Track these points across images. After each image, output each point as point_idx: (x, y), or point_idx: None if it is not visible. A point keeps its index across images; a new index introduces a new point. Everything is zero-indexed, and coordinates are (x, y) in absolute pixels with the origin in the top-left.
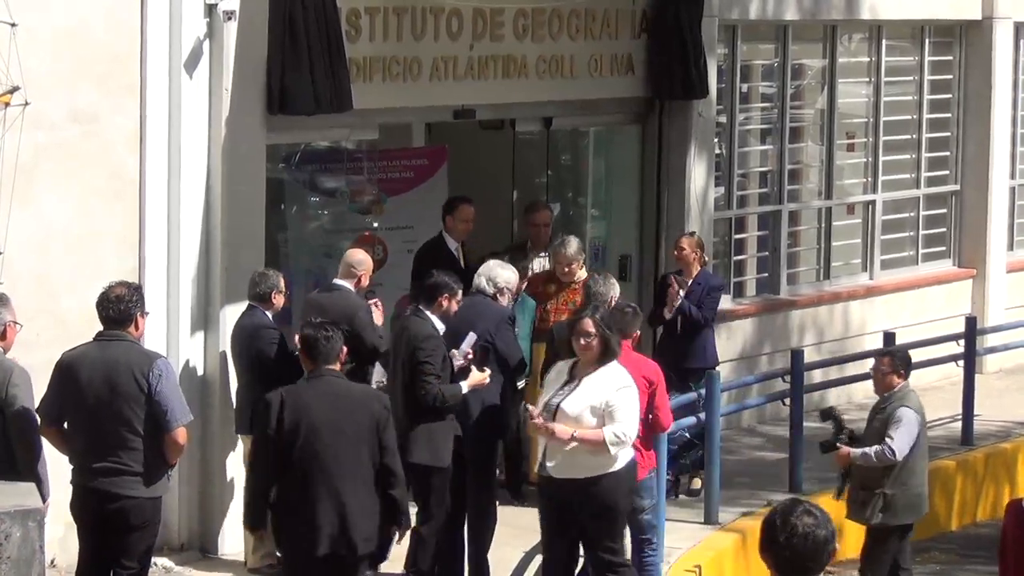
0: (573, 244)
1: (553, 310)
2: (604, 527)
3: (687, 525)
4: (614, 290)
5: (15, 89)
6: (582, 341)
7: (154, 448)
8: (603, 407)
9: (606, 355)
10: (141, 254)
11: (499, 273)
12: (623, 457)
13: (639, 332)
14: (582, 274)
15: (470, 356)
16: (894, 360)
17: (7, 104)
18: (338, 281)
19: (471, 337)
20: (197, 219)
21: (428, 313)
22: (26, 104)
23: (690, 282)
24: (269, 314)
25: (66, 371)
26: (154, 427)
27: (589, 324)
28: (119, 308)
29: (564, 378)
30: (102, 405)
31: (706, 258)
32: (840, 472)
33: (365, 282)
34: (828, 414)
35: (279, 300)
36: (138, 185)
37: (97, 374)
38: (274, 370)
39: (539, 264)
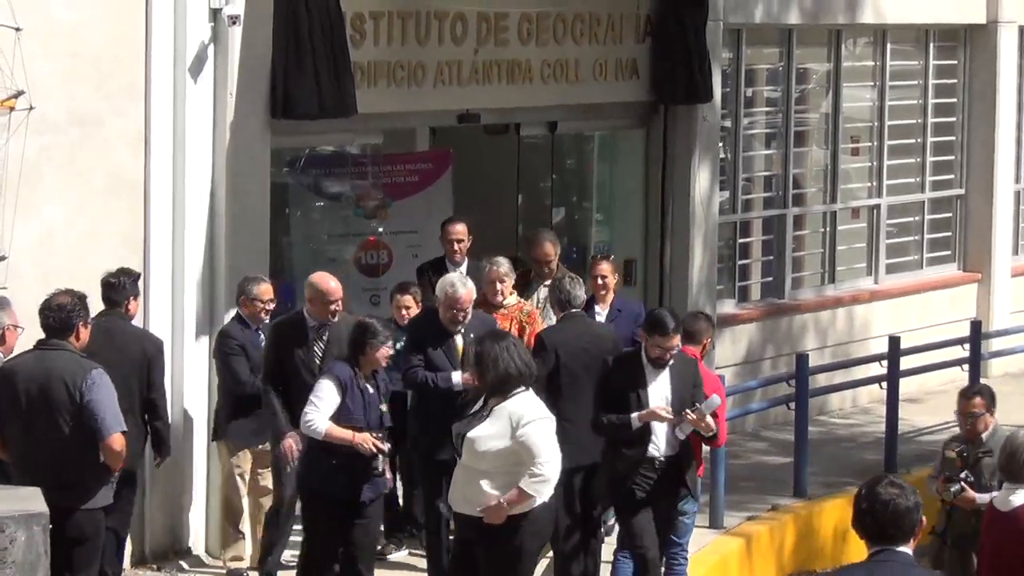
0: (504, 263)
1: None
2: (503, 570)
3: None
4: (580, 291)
5: (20, 93)
6: (466, 375)
7: (90, 461)
8: (515, 445)
9: (497, 387)
10: (145, 258)
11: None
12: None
13: (709, 339)
14: (512, 299)
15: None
16: (985, 398)
17: (12, 108)
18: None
19: (715, 400)
20: (201, 223)
21: None
22: (31, 108)
23: (607, 310)
24: (249, 322)
25: (3, 380)
26: (89, 439)
27: (469, 353)
28: (60, 317)
29: (479, 404)
30: (36, 416)
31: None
32: (956, 476)
33: (327, 308)
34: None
35: (248, 308)
36: (142, 189)
37: (33, 384)
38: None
39: (543, 295)
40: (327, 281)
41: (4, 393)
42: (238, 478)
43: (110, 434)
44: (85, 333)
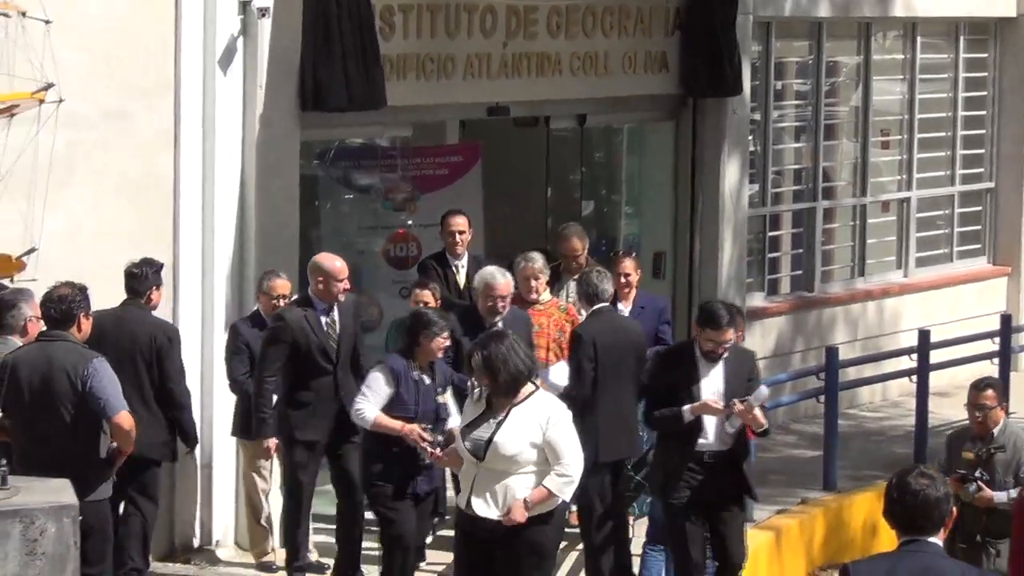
0: (538, 259)
1: None
2: (528, 571)
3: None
4: (608, 285)
5: (49, 86)
6: (475, 377)
7: (93, 452)
8: (543, 443)
9: (510, 386)
10: (175, 251)
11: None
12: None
13: (741, 332)
14: (547, 295)
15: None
16: (997, 391)
17: (41, 101)
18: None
19: (763, 391)
20: (231, 216)
21: None
22: (60, 101)
23: (630, 307)
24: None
25: (9, 372)
26: (91, 431)
27: (472, 361)
28: (61, 308)
29: (482, 405)
30: (38, 407)
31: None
32: (972, 476)
33: (336, 287)
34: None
35: (263, 302)
36: (172, 182)
37: (35, 375)
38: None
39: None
40: (333, 261)
41: (9, 385)
42: (254, 473)
43: (115, 413)
44: (86, 324)
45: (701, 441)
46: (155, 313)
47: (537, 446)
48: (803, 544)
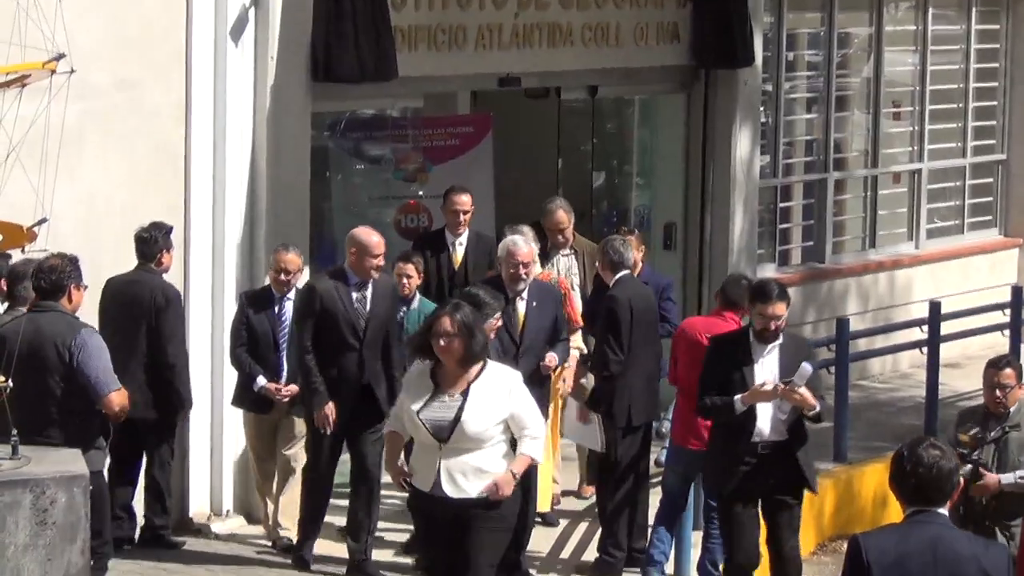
0: (527, 234)
1: None
2: (502, 542)
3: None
4: (630, 252)
5: (60, 56)
6: (441, 342)
7: (84, 423)
8: (508, 417)
9: (472, 356)
10: (186, 223)
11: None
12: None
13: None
14: (536, 269)
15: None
16: (1016, 370)
17: (53, 71)
18: (344, 264)
19: (806, 368)
20: (242, 187)
21: None
22: (72, 72)
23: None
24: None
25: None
26: (83, 401)
27: (447, 323)
28: (51, 279)
29: (428, 385)
30: (27, 378)
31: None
32: (970, 463)
33: (369, 263)
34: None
35: (271, 275)
36: (183, 153)
37: (24, 346)
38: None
39: (564, 264)
40: (370, 235)
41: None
42: (249, 448)
43: (106, 393)
44: (77, 295)
45: (755, 431)
46: (166, 278)
47: (502, 419)
48: (813, 516)
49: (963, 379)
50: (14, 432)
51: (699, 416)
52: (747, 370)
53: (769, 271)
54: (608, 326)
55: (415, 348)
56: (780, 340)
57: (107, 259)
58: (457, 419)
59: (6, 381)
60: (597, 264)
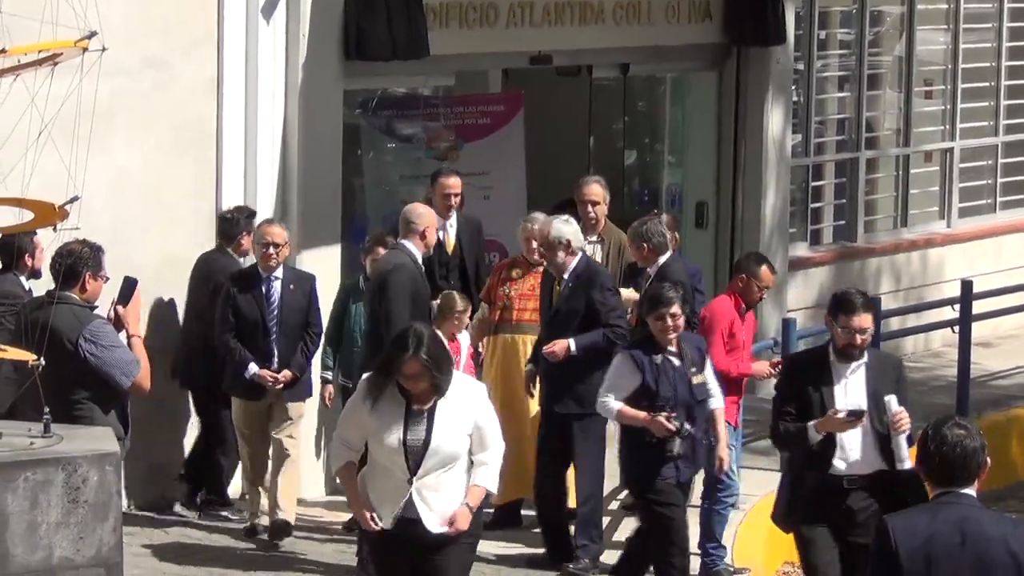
0: (540, 219)
1: (517, 296)
2: (468, 566)
3: (762, 472)
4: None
5: (92, 34)
6: (408, 384)
7: (104, 414)
8: (473, 430)
9: (440, 387)
10: (218, 201)
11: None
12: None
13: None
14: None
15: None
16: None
17: (85, 50)
18: (402, 241)
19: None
20: (274, 166)
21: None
22: (103, 50)
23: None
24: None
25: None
26: (101, 393)
27: (414, 366)
28: (66, 264)
29: (399, 401)
30: (46, 371)
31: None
32: None
33: (431, 237)
34: None
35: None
36: (215, 131)
37: (36, 340)
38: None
39: (590, 249)
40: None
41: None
42: (237, 434)
43: (127, 385)
44: (93, 285)
45: (838, 463)
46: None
47: (468, 438)
48: None
49: (995, 358)
50: (46, 410)
51: (774, 445)
52: (827, 391)
53: (801, 250)
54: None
55: (378, 389)
56: (866, 359)
57: (138, 236)
58: (427, 442)
59: (38, 359)
60: (631, 249)
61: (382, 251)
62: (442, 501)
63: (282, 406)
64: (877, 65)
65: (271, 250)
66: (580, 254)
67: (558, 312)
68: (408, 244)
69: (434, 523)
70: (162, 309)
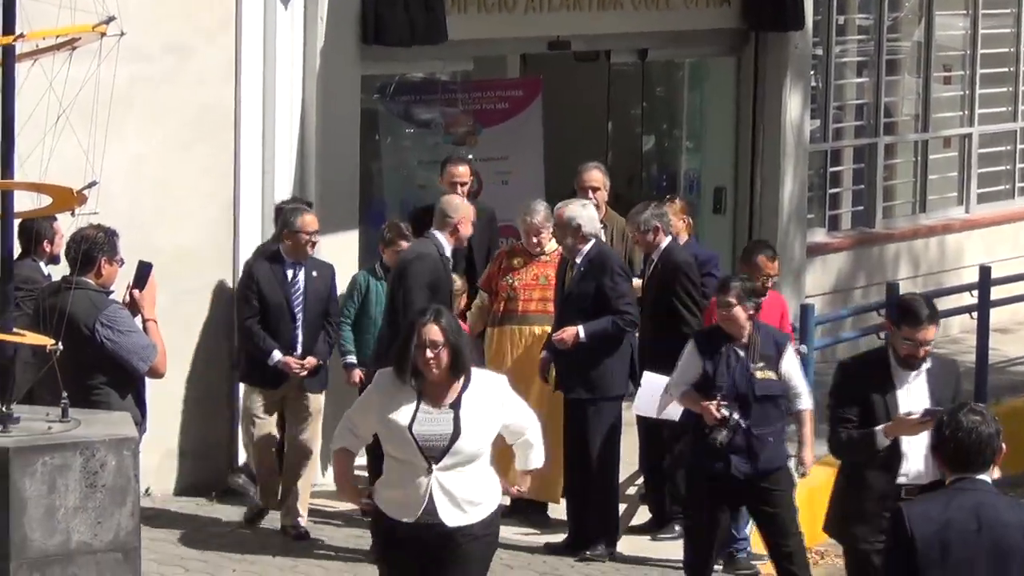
0: (541, 211)
1: (521, 286)
2: (487, 562)
3: None
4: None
5: (111, 19)
6: (428, 354)
7: (120, 398)
8: (503, 428)
9: (461, 365)
10: (236, 187)
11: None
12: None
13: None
14: (552, 245)
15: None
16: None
17: (103, 34)
18: (433, 231)
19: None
20: (292, 151)
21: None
22: (121, 35)
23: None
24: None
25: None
26: (117, 378)
27: (435, 331)
28: (82, 250)
29: (410, 394)
30: (63, 356)
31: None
32: None
33: (465, 230)
34: None
35: (292, 240)
36: (232, 117)
37: (52, 324)
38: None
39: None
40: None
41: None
42: (247, 421)
43: (144, 369)
44: (108, 271)
45: (901, 472)
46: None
47: (496, 432)
48: None
49: (1013, 344)
50: (64, 395)
51: (833, 454)
52: (890, 397)
53: (819, 235)
54: (693, 291)
55: (398, 364)
56: (928, 364)
57: (156, 221)
58: (455, 435)
59: (56, 344)
60: (635, 236)
61: (404, 244)
62: (464, 493)
63: (300, 399)
64: (896, 50)
65: (311, 238)
66: (593, 239)
67: (569, 296)
68: (438, 235)
69: (452, 517)
70: (179, 295)
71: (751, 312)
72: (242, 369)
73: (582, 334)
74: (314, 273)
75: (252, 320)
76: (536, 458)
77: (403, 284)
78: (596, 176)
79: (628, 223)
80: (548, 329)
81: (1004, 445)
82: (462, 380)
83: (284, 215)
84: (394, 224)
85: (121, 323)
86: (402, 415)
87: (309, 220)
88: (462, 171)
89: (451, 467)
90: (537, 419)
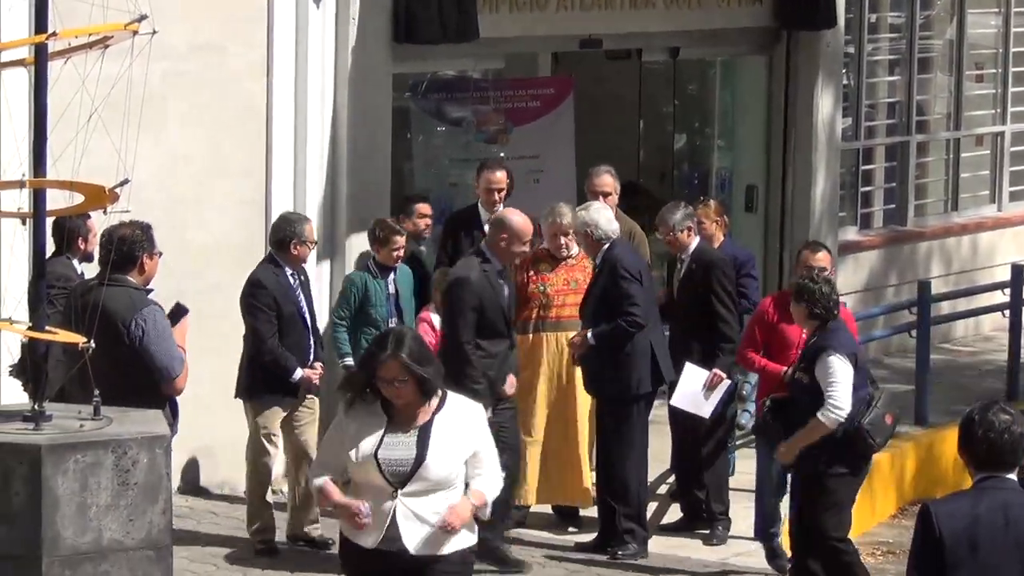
0: (567, 213)
1: (554, 292)
2: None
3: None
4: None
5: (143, 18)
6: (391, 389)
7: (149, 402)
8: (470, 455)
9: (429, 389)
10: (267, 184)
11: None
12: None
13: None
14: (576, 250)
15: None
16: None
17: (135, 33)
18: (484, 245)
19: None
20: (323, 149)
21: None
22: (153, 33)
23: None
24: (287, 268)
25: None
26: (147, 381)
27: (394, 368)
28: (121, 250)
29: (380, 417)
30: (95, 354)
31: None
32: None
33: (517, 249)
34: None
35: (301, 251)
36: (264, 115)
37: (88, 321)
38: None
39: None
40: (524, 220)
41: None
42: (264, 440)
43: (173, 378)
44: (150, 265)
45: None
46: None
47: (466, 458)
48: (894, 479)
49: None
50: (96, 393)
51: None
52: None
53: (851, 233)
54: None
55: (357, 389)
56: None
57: (187, 219)
58: (420, 459)
59: (88, 342)
60: (667, 236)
61: (400, 239)
62: (433, 520)
63: (306, 403)
64: (928, 48)
65: (314, 245)
66: (609, 241)
67: (588, 297)
68: (488, 250)
69: (417, 544)
70: (210, 292)
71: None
72: (257, 387)
73: (591, 338)
74: (302, 277)
75: (274, 340)
76: (484, 484)
77: (449, 311)
78: (607, 181)
79: (659, 223)
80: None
81: None
82: (435, 402)
83: (288, 226)
84: (384, 222)
85: (158, 325)
86: (369, 442)
87: (311, 228)
88: (499, 177)
89: (418, 493)
90: (499, 477)
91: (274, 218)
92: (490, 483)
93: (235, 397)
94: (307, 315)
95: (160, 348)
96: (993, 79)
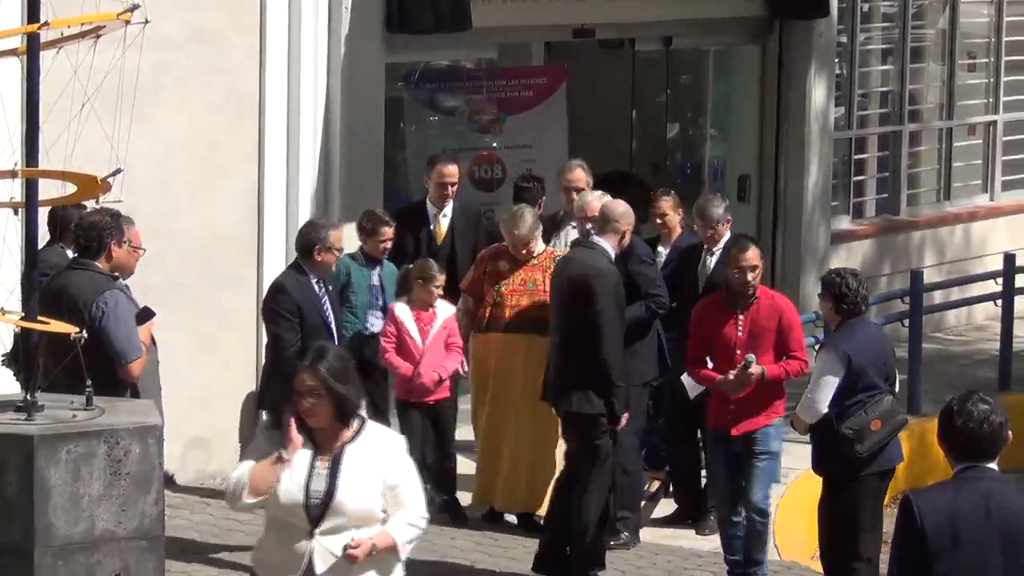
0: (528, 219)
1: (508, 292)
2: None
3: (805, 446)
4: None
5: (135, 7)
6: (305, 403)
7: (106, 388)
8: (386, 488)
9: (345, 414)
10: (260, 173)
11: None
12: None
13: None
14: (539, 247)
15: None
16: None
17: (127, 22)
18: (596, 238)
19: None
20: (316, 138)
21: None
22: (146, 22)
23: (668, 250)
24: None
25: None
26: (105, 367)
27: (312, 378)
28: (90, 236)
29: (307, 448)
30: (54, 338)
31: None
32: None
33: (627, 240)
34: None
35: (325, 257)
36: (257, 104)
37: (53, 305)
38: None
39: (573, 233)
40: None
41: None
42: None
43: (127, 362)
44: (119, 252)
45: None
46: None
47: (381, 491)
48: None
49: None
50: (88, 382)
51: None
52: None
53: (844, 223)
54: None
55: (281, 402)
56: None
57: (179, 209)
58: (330, 493)
59: (80, 332)
60: (704, 230)
61: (388, 231)
62: (349, 567)
63: None
64: (920, 38)
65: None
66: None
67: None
68: (602, 241)
69: None
70: (203, 281)
71: None
72: (279, 407)
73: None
74: (328, 287)
75: (296, 349)
76: (398, 529)
77: (594, 303)
78: (580, 175)
79: (697, 217)
80: (532, 338)
81: (1010, 434)
82: (352, 431)
83: (314, 231)
84: (372, 212)
85: (119, 309)
86: (299, 470)
87: (339, 235)
88: (452, 170)
89: (335, 530)
90: (424, 514)
91: (266, 207)
92: (403, 525)
93: (257, 408)
94: (332, 325)
95: (118, 332)
96: (985, 68)
